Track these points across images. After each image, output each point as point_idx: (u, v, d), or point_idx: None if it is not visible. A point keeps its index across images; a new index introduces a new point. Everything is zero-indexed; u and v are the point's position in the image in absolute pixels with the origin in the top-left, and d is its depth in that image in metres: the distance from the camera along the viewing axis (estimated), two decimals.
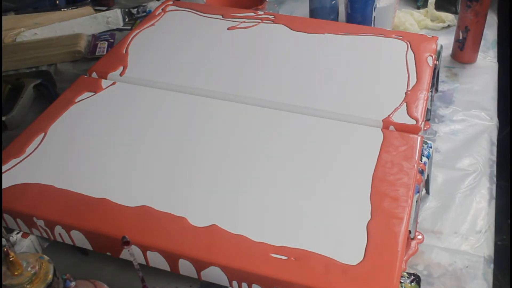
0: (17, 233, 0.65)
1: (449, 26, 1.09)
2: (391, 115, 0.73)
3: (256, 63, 0.84)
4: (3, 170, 0.68)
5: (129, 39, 0.91)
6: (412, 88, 0.77)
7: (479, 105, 0.90)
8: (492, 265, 0.67)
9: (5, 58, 1.04)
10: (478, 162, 0.80)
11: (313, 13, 1.07)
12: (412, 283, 0.61)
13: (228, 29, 0.93)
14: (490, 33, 1.07)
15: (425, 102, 0.75)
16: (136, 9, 1.18)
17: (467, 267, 0.66)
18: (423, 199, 0.73)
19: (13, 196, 0.65)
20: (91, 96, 0.80)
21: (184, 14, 0.98)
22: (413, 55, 0.84)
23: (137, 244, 0.59)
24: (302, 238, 0.58)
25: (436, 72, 0.85)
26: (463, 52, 0.98)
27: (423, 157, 0.69)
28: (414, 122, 0.72)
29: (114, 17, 1.15)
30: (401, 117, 0.72)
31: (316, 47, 0.88)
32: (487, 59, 1.00)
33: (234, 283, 0.58)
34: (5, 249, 0.51)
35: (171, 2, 1.02)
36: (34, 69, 1.06)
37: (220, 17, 0.96)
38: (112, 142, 0.72)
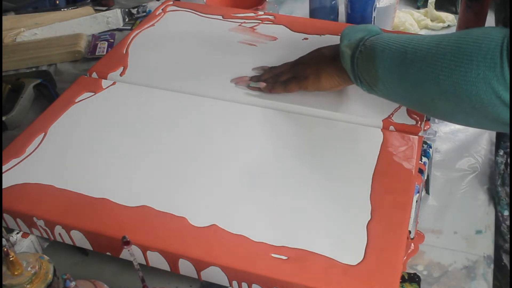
0: (17, 233, 0.66)
1: (449, 26, 1.09)
2: (391, 116, 0.73)
3: (256, 63, 0.84)
4: (3, 170, 0.68)
5: (129, 39, 0.91)
6: None
7: None
8: (492, 265, 0.67)
9: (5, 58, 1.04)
10: (478, 162, 0.80)
11: (313, 13, 1.07)
12: (412, 283, 0.61)
13: (228, 29, 0.93)
14: None
15: None
16: (136, 9, 1.18)
17: (467, 267, 0.66)
18: (423, 199, 0.73)
19: (13, 196, 0.65)
20: (91, 96, 0.80)
21: (184, 14, 0.98)
22: None
23: (137, 244, 0.59)
24: (302, 238, 0.58)
25: None
26: None
27: (423, 157, 0.69)
28: (414, 122, 0.72)
29: (114, 17, 1.15)
30: (401, 118, 0.72)
31: (316, 47, 0.87)
32: None
33: (234, 283, 0.58)
34: (5, 249, 0.51)
35: (171, 2, 1.01)
36: (34, 69, 1.06)
37: (220, 17, 0.96)
38: (112, 142, 0.72)
